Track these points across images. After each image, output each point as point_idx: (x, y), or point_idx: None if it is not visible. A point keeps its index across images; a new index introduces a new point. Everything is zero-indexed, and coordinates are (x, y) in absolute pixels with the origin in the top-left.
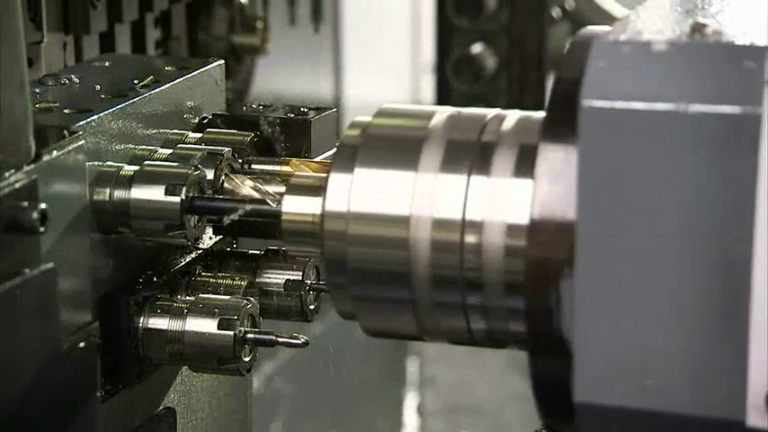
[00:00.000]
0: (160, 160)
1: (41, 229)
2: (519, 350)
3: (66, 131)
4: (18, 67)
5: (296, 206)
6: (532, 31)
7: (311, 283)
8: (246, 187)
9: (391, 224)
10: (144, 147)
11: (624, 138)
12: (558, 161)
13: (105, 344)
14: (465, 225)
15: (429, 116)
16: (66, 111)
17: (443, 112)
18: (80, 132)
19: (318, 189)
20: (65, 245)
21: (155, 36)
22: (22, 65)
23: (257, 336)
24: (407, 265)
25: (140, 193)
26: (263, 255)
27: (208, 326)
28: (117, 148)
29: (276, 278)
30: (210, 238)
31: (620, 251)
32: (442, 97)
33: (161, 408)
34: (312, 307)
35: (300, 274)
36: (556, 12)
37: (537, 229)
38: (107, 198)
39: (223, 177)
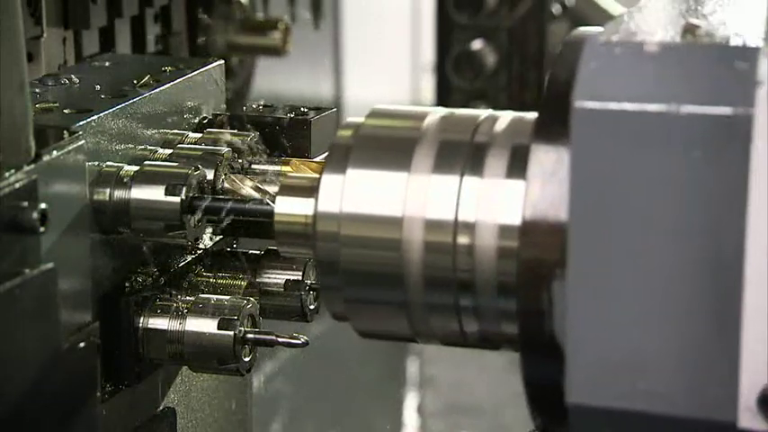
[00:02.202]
0: (160, 160)
1: (41, 229)
2: (512, 351)
3: (66, 131)
4: (18, 67)
5: (288, 207)
6: (532, 27)
7: (311, 283)
8: (246, 187)
9: (383, 225)
10: (144, 147)
11: (616, 139)
12: (550, 162)
13: (105, 344)
14: (457, 226)
15: (422, 117)
16: (66, 111)
17: (436, 113)
18: (80, 132)
19: (311, 190)
20: (65, 245)
21: (155, 31)
22: (21, 65)
23: (257, 336)
24: (400, 266)
25: (140, 193)
26: (263, 255)
27: (208, 326)
28: (117, 148)
29: (276, 278)
30: (211, 239)
31: (613, 252)
32: (443, 94)
33: (161, 408)
34: (312, 307)
35: (300, 274)
36: (556, 8)
37: (529, 230)
38: (107, 198)
39: (223, 177)
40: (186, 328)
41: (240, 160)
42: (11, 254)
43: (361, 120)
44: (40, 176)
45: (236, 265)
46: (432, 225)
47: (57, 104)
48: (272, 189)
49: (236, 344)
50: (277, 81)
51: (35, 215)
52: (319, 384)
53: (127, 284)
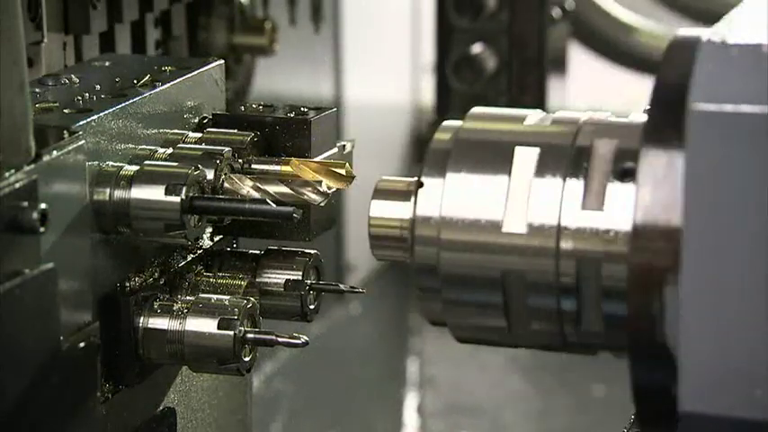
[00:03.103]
0: (160, 160)
1: (41, 229)
2: (614, 357)
3: (66, 131)
4: (18, 67)
5: (384, 210)
6: (532, 30)
7: (311, 283)
8: (247, 187)
9: (484, 230)
10: (144, 147)
11: (733, 141)
12: (661, 165)
13: (105, 344)
14: (560, 231)
15: (521, 119)
16: (66, 111)
17: (535, 115)
18: (80, 132)
19: (406, 194)
20: (65, 245)
21: (154, 36)
22: (22, 65)
23: (257, 336)
24: (501, 270)
25: (140, 192)
26: (263, 254)
27: (208, 326)
28: (117, 147)
29: (276, 278)
30: (211, 239)
31: (728, 257)
32: (442, 97)
33: (161, 408)
34: (312, 307)
35: (300, 273)
36: (556, 12)
37: (640, 234)
38: (107, 198)
39: (223, 177)
40: (186, 328)
41: (240, 160)
42: (11, 254)
43: (459, 123)
44: (40, 176)
45: (236, 264)
46: (534, 230)
47: (57, 104)
48: (272, 189)
49: (236, 344)
50: (277, 81)
51: (35, 215)
52: (319, 384)
53: (127, 284)
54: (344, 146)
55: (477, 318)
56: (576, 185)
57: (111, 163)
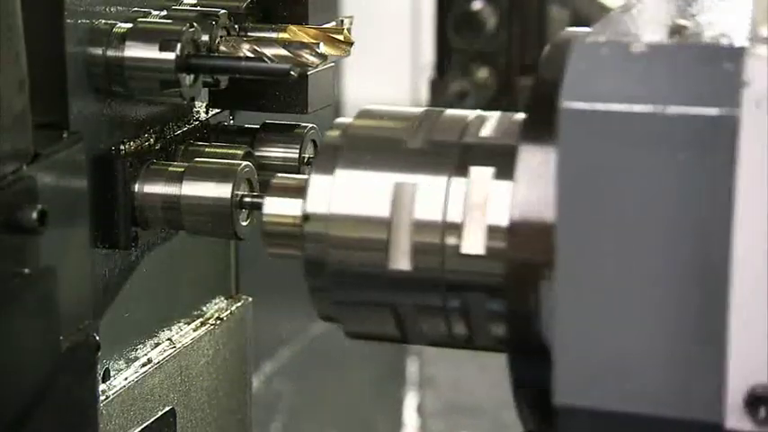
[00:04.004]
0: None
1: (41, 228)
2: (500, 353)
3: (66, 131)
4: (18, 66)
5: (277, 207)
6: None
7: (308, 158)
8: (243, 49)
9: (372, 226)
10: (137, 9)
11: (603, 139)
12: (537, 162)
13: (100, 207)
14: (446, 227)
15: (410, 117)
16: None
17: (425, 114)
18: (80, 132)
19: (300, 190)
20: (65, 245)
21: None
22: (22, 64)
23: (254, 200)
24: (388, 268)
25: (134, 49)
26: (259, 128)
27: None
28: (110, 10)
29: (274, 152)
30: (207, 113)
31: (600, 253)
32: (442, 55)
33: (161, 408)
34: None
35: (298, 147)
36: None
37: (516, 230)
38: (101, 56)
39: (219, 40)
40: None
41: (237, 26)
42: (11, 254)
43: (349, 120)
44: (39, 176)
45: (233, 138)
46: (420, 226)
47: None
48: (269, 51)
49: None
50: None
51: (35, 215)
52: (319, 384)
53: (122, 148)
54: (343, 21)
55: (367, 315)
56: (460, 183)
57: (104, 21)
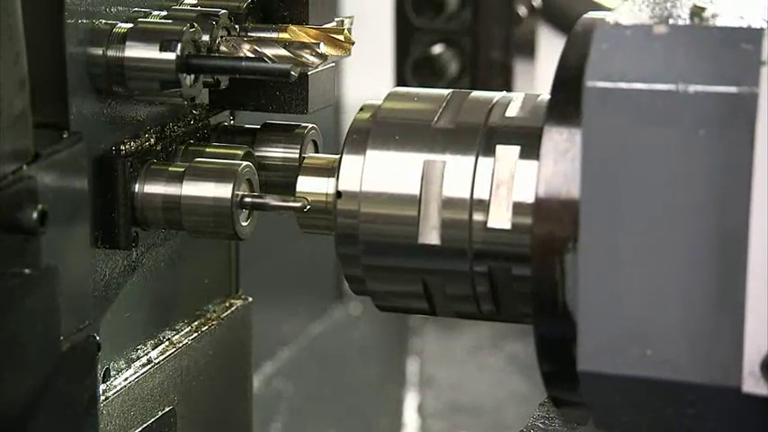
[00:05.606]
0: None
1: (41, 229)
2: (525, 324)
3: (66, 131)
4: (18, 66)
5: (309, 186)
6: (498, 31)
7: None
8: (243, 49)
9: (402, 203)
10: (138, 9)
11: (626, 117)
12: (562, 141)
13: (100, 207)
14: (473, 203)
15: (437, 99)
16: None
17: (451, 95)
18: (80, 132)
19: (330, 170)
20: (65, 245)
21: None
22: (22, 64)
23: (254, 200)
24: (417, 242)
25: (135, 49)
26: (260, 128)
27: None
28: (110, 10)
29: (274, 152)
30: (208, 111)
31: (622, 226)
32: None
33: (161, 408)
34: None
35: (298, 147)
36: (522, 11)
37: (542, 205)
38: (101, 56)
39: (219, 40)
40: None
41: (237, 26)
42: (11, 254)
43: (378, 102)
44: (39, 176)
45: (233, 139)
46: (448, 202)
47: None
48: (270, 51)
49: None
50: None
51: (35, 215)
52: (319, 384)
53: (122, 148)
54: (343, 21)
55: (396, 286)
56: (487, 162)
57: (104, 21)
